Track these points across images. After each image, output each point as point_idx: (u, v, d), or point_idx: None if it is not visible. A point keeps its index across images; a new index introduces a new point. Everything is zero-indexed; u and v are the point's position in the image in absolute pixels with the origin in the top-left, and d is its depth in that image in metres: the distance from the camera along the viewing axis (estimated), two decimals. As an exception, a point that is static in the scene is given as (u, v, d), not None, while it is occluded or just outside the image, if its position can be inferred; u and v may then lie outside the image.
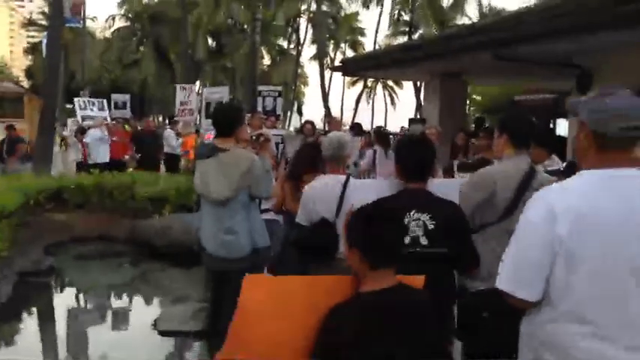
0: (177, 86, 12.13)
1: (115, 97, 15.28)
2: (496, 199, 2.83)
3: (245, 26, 40.19)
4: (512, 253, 1.87)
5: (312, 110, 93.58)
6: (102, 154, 11.27)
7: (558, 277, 1.77)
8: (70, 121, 13.44)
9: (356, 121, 10.42)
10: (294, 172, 4.31)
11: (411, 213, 2.65)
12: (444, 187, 2.96)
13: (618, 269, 1.73)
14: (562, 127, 13.58)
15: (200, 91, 45.52)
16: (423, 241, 2.63)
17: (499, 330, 2.61)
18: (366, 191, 3.04)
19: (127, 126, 13.58)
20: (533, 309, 1.86)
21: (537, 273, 1.79)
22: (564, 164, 4.21)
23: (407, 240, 2.62)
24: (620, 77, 7.15)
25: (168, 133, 12.78)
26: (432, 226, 2.64)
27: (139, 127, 13.68)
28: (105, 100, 13.79)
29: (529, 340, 1.90)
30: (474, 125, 11.29)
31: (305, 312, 2.07)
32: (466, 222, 2.83)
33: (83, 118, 12.81)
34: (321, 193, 3.54)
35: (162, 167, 12.58)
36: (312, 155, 4.26)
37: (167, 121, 16.83)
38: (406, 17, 41.30)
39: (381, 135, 7.69)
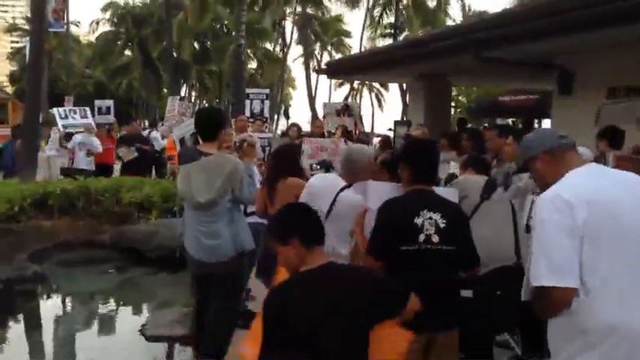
0: (170, 97, 12.98)
1: (98, 102, 15.04)
2: (468, 199, 3.56)
3: (230, 29, 40.11)
4: (540, 251, 1.98)
5: (300, 112, 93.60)
6: (81, 160, 11.17)
7: (587, 258, 1.92)
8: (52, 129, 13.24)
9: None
10: (269, 176, 4.33)
11: (423, 212, 2.73)
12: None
13: (634, 240, 1.97)
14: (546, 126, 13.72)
15: (187, 94, 44.70)
16: (435, 238, 2.72)
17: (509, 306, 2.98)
18: (379, 190, 3.08)
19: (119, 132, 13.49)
20: (571, 303, 1.95)
21: (571, 259, 1.93)
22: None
23: (421, 237, 2.70)
24: (599, 77, 7.28)
25: (155, 134, 12.56)
26: (444, 225, 2.73)
27: (123, 132, 13.53)
28: (87, 108, 13.60)
29: (565, 328, 1.99)
30: (456, 126, 11.35)
31: None
32: (468, 223, 2.97)
33: (65, 127, 12.65)
34: (318, 194, 3.62)
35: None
36: (286, 161, 4.29)
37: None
38: (391, 19, 41.42)
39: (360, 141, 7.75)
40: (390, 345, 2.33)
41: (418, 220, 2.71)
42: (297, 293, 2.27)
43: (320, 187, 3.66)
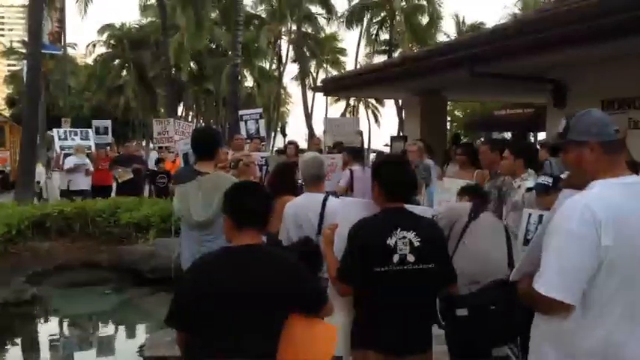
0: (154, 120, 13.30)
1: (95, 122, 15.03)
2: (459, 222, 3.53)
3: (226, 49, 40.33)
4: (555, 260, 1.90)
5: (297, 130, 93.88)
6: (79, 181, 11.21)
7: (600, 283, 1.88)
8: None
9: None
10: None
11: (397, 231, 2.64)
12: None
13: None
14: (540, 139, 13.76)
15: (183, 115, 44.61)
16: (410, 258, 2.62)
17: (505, 319, 2.85)
18: (348, 209, 3.08)
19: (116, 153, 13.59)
20: (566, 317, 1.91)
21: (582, 279, 1.87)
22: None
23: (395, 259, 2.60)
24: (593, 90, 7.33)
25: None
26: (419, 243, 2.64)
27: (120, 152, 13.63)
28: (89, 130, 13.62)
29: (562, 345, 1.94)
30: (450, 142, 11.41)
31: None
32: (445, 239, 2.94)
33: (62, 148, 12.66)
34: (300, 212, 3.61)
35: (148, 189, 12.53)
36: (283, 179, 4.32)
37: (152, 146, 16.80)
38: (386, 36, 41.68)
39: (354, 153, 7.77)
40: (321, 345, 2.35)
41: (391, 241, 2.61)
42: (208, 268, 2.35)
43: (302, 205, 3.64)
